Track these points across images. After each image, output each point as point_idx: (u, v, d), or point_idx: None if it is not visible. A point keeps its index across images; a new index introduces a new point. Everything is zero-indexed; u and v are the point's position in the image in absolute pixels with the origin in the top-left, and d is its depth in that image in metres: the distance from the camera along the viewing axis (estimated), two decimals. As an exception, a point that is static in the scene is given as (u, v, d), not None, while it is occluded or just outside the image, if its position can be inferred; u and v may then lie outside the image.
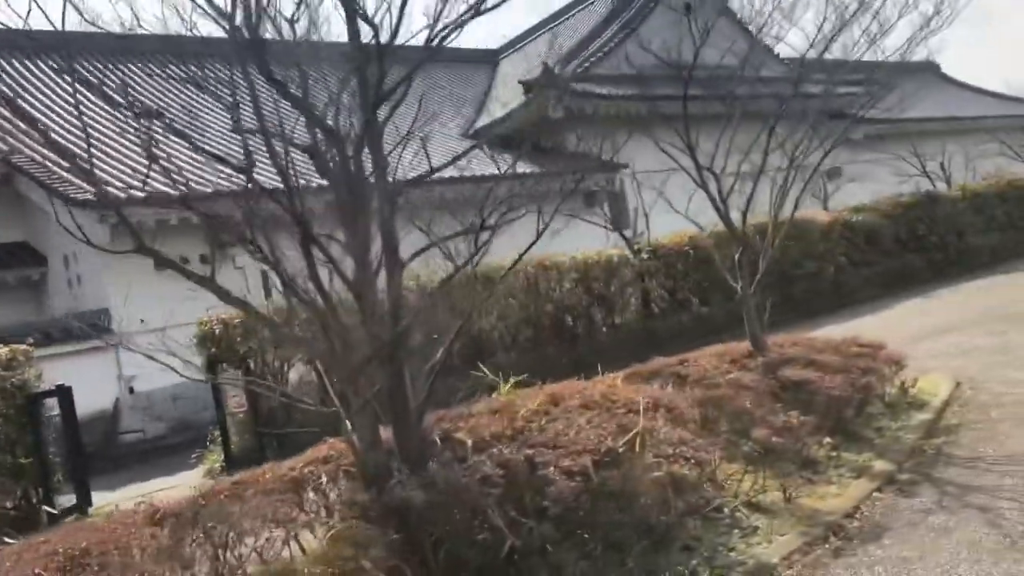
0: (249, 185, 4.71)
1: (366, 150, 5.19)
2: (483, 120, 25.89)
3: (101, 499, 10.09)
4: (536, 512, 4.67)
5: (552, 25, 32.56)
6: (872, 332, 13.27)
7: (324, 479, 5.10)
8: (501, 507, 4.56)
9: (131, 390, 15.88)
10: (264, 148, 4.85)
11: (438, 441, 5.11)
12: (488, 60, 33.79)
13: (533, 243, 6.03)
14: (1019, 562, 4.34)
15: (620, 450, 4.98)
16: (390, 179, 5.37)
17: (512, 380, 7.30)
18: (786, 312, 16.88)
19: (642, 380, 6.83)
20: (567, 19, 32.51)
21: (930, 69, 47.47)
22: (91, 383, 14.51)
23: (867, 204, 20.23)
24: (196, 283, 5.02)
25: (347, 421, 4.97)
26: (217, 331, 10.51)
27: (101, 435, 15.23)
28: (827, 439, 6.58)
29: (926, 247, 20.59)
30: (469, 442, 4.90)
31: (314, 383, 8.39)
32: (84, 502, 9.70)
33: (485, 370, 7.79)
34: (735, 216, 9.55)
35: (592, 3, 31.57)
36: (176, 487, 7.43)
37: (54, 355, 13.63)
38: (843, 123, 31.54)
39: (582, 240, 19.89)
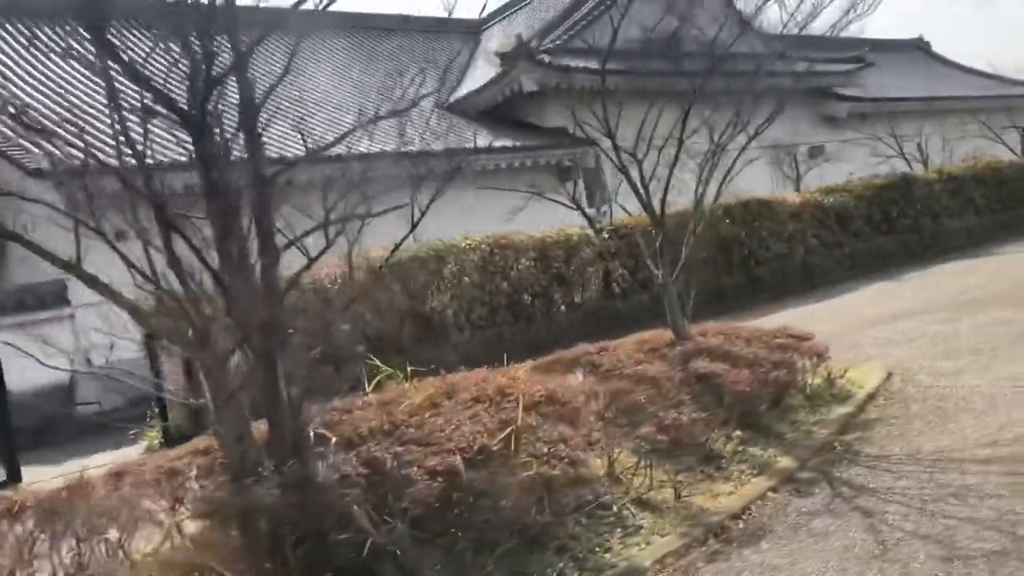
0: (88, 160, 4.51)
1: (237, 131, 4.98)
2: (462, 91, 25.51)
3: (44, 473, 9.99)
4: (400, 512, 4.55)
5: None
6: (829, 316, 13.25)
7: (195, 472, 4.99)
8: (364, 506, 4.44)
9: (88, 362, 15.75)
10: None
11: (311, 436, 4.97)
12: (472, 31, 33.30)
13: (413, 220, 5.77)
14: (884, 571, 4.23)
15: (494, 448, 4.86)
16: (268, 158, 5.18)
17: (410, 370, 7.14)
18: (755, 293, 16.79)
19: (563, 368, 6.70)
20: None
21: (919, 47, 47.08)
22: (47, 355, 14.41)
23: (840, 185, 20.03)
24: (61, 268, 4.87)
25: (215, 414, 4.84)
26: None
27: (58, 407, 15.14)
28: (737, 432, 6.46)
29: (899, 229, 20.44)
30: (333, 439, 4.77)
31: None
32: (13, 478, 9.61)
33: (377, 361, 7.65)
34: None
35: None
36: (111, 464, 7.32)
37: (9, 325, 13.56)
38: (824, 101, 31.26)
39: (556, 215, 19.79)
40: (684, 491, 5.55)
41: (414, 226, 5.64)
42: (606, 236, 15.13)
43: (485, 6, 29.40)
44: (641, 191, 9.13)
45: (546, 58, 22.60)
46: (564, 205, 15.70)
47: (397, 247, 6.11)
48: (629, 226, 15.60)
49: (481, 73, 26.40)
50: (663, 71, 25.17)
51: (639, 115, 26.20)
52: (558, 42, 24.95)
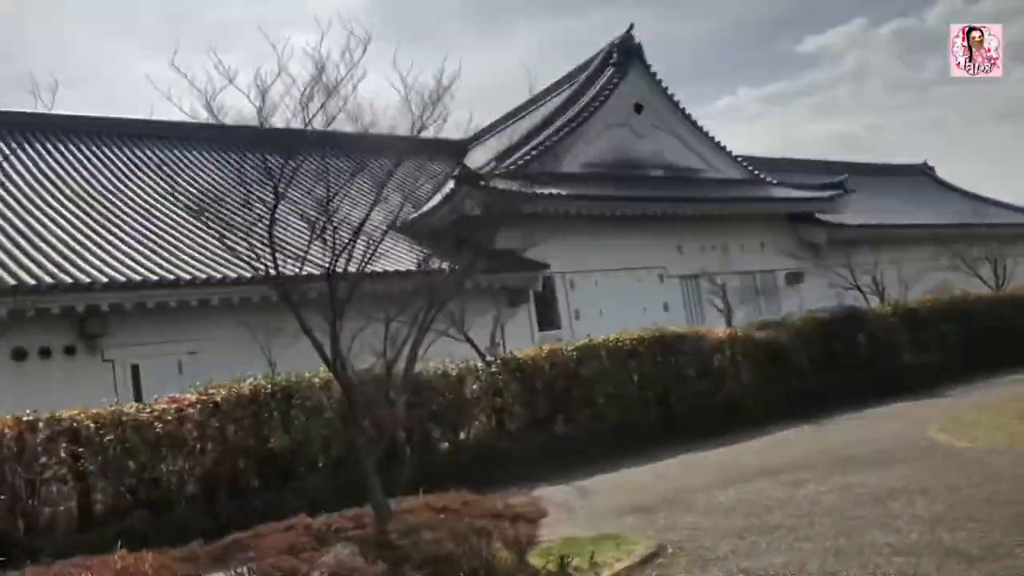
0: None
1: None
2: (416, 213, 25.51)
3: None
4: None
5: (521, 115, 32.20)
6: (702, 468, 12.58)
7: None
8: None
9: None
10: None
11: None
12: (459, 150, 33.57)
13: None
14: None
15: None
16: None
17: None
18: (668, 434, 16.02)
19: (210, 560, 6.18)
20: (538, 107, 32.07)
21: (924, 172, 46.70)
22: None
23: (776, 320, 19.41)
24: None
25: None
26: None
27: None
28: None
29: (844, 367, 19.61)
30: None
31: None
32: None
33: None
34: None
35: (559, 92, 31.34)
36: None
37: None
38: (803, 226, 30.78)
39: (508, 337, 19.40)
40: None
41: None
42: (493, 370, 14.62)
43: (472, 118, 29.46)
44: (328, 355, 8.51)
45: (492, 182, 22.56)
46: (451, 337, 15.25)
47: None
48: (523, 360, 15.15)
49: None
50: (621, 196, 25.26)
51: (588, 240, 26.05)
52: (519, 164, 25.03)
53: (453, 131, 12.60)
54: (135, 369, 17.60)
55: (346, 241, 9.28)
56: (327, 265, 8.75)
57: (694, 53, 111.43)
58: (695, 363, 17.35)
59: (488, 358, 14.92)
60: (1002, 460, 10.08)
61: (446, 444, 14.12)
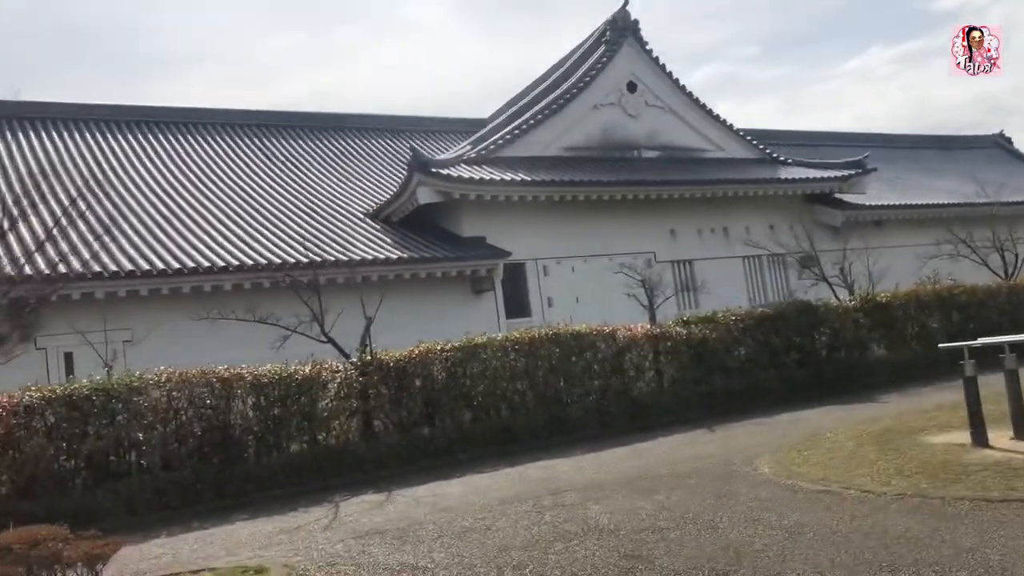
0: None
1: None
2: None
3: None
4: None
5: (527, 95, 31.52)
6: (501, 484, 11.72)
7: None
8: None
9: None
10: None
11: None
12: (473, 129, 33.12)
13: None
14: None
15: None
16: None
17: None
18: (553, 436, 15.46)
19: None
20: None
21: (999, 144, 43.53)
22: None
23: (708, 314, 18.37)
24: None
25: None
26: None
27: None
28: None
29: (789, 364, 18.48)
30: None
31: None
32: None
33: None
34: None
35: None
36: None
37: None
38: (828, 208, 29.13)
39: (472, 325, 19.13)
40: None
41: None
42: (352, 371, 14.35)
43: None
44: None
45: (445, 170, 22.19)
46: (308, 336, 15.02)
47: None
48: (390, 360, 14.80)
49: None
50: (593, 181, 24.36)
51: (566, 225, 25.29)
52: (490, 149, 24.56)
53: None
54: (68, 357, 18.16)
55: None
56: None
57: (821, 11, 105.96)
58: (603, 362, 16.64)
59: (352, 359, 14.64)
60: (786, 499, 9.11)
61: (299, 446, 13.97)
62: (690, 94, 28.12)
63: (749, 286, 27.45)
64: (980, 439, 10.04)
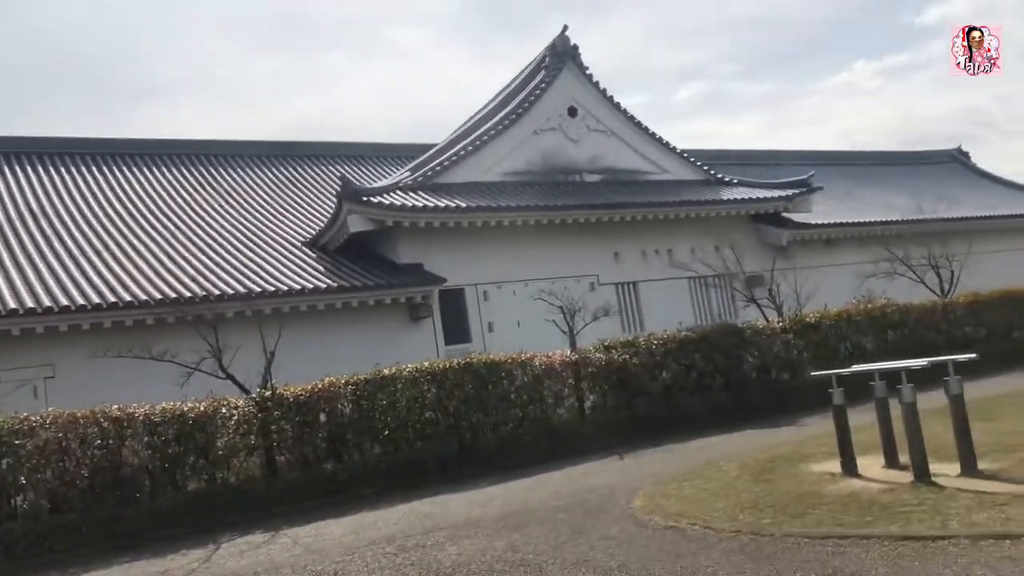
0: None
1: None
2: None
3: None
4: None
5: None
6: (384, 523, 11.51)
7: None
8: None
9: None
10: None
11: None
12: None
13: None
14: None
15: None
16: None
17: None
18: (464, 467, 15.27)
19: None
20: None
21: (956, 158, 43.72)
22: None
23: (629, 339, 18.25)
24: None
25: None
26: None
27: None
28: None
29: (715, 388, 18.34)
30: None
31: None
32: None
33: None
34: None
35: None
36: None
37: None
38: (773, 227, 29.08)
39: (411, 352, 18.92)
40: None
41: None
42: (249, 408, 14.14)
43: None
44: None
45: (376, 198, 22.07)
46: (200, 371, 14.76)
47: None
48: (294, 394, 14.61)
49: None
50: (531, 206, 24.26)
51: (508, 249, 25.01)
52: (427, 175, 24.47)
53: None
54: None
55: None
56: None
57: (806, 27, 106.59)
58: (519, 391, 16.48)
59: (252, 394, 14.45)
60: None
61: (198, 484, 13.76)
62: (632, 118, 28.11)
63: (695, 307, 27.31)
64: (849, 468, 9.94)
